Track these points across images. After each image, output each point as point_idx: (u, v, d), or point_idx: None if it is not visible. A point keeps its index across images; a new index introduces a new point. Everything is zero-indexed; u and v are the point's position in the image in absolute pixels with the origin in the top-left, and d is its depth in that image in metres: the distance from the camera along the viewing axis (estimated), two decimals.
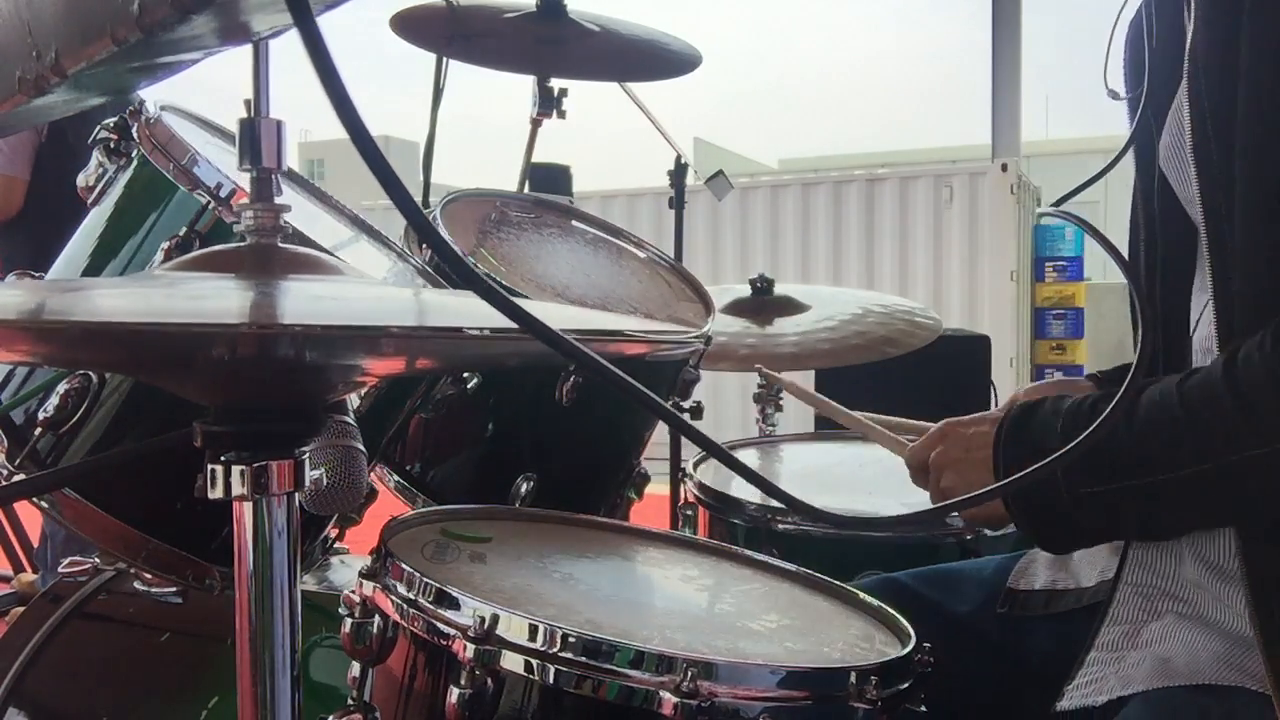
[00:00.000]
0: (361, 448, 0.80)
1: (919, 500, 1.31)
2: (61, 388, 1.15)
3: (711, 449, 0.69)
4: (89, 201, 1.29)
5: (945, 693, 1.05)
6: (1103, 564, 1.19)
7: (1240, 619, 0.99)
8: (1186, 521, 1.05)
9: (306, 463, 0.74)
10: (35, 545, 3.10)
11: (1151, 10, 1.16)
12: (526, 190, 2.56)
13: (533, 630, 0.88)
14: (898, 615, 1.06)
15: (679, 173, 2.62)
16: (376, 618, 0.98)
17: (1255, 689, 0.96)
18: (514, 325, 0.57)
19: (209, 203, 1.16)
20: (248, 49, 0.79)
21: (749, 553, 1.26)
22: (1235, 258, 0.99)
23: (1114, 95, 1.19)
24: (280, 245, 0.83)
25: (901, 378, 2.48)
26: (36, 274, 1.28)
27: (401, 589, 0.96)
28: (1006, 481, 1.02)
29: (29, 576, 3.05)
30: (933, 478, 1.21)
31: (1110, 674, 1.05)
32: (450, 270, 0.61)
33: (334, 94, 0.49)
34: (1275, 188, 0.96)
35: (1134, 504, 1.01)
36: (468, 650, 0.88)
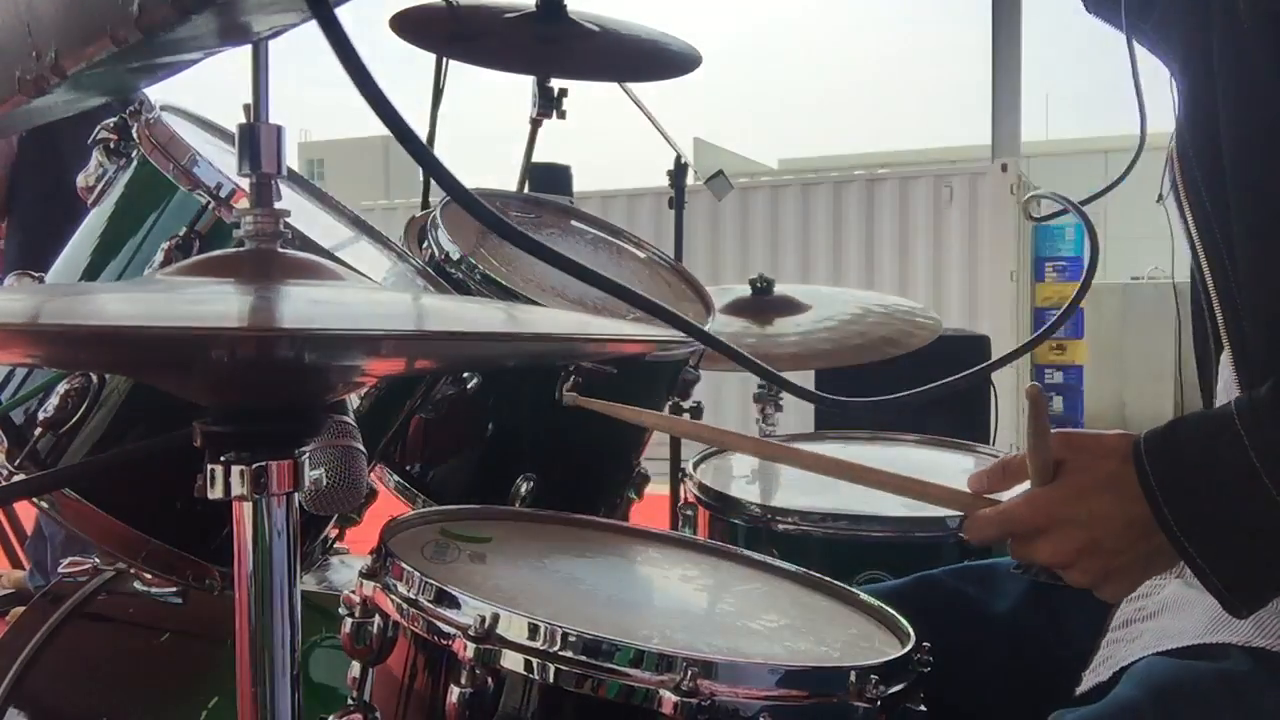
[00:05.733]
0: (361, 448, 0.80)
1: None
2: (61, 388, 1.15)
3: None
4: (89, 202, 1.29)
5: (980, 686, 1.03)
6: None
7: None
8: None
9: (306, 463, 0.74)
10: (29, 538, 3.08)
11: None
12: (526, 190, 2.55)
13: (533, 629, 0.88)
14: (897, 615, 1.06)
15: (679, 173, 2.61)
16: (376, 617, 0.98)
17: (1240, 644, 0.95)
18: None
19: (209, 203, 1.16)
20: (248, 49, 0.79)
21: (749, 553, 1.26)
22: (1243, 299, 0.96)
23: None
24: (280, 250, 0.83)
25: (901, 378, 2.47)
26: (36, 274, 1.28)
27: (401, 589, 0.96)
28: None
29: (16, 574, 3.05)
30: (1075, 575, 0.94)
31: (1119, 650, 1.05)
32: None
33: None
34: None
35: None
36: (468, 649, 0.88)
